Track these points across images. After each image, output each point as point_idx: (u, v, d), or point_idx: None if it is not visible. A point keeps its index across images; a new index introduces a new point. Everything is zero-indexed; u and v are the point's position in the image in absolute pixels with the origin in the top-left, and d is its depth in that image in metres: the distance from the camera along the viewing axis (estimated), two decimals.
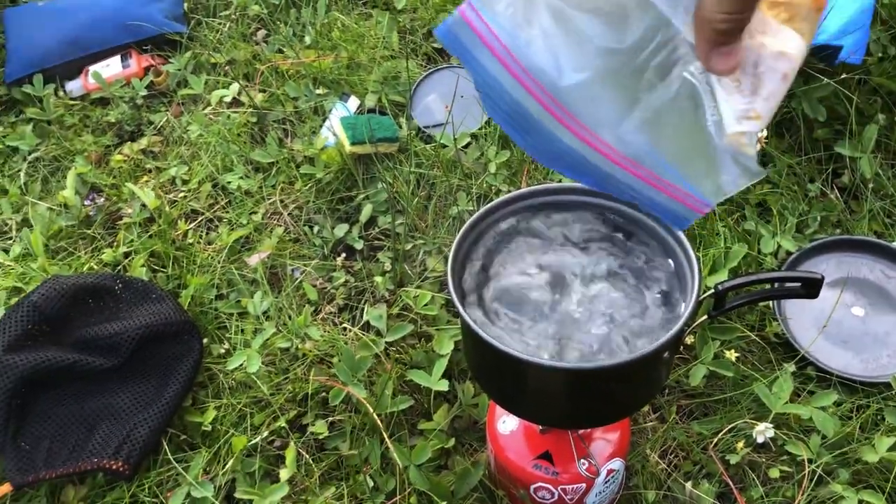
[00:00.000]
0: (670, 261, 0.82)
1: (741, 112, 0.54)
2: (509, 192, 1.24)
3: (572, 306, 0.79)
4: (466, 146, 1.42)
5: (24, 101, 1.67)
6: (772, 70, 0.53)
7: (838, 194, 1.35)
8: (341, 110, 1.50)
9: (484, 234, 0.86)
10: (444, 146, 1.41)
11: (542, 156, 0.61)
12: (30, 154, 1.57)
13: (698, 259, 0.78)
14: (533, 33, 0.52)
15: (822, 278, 0.80)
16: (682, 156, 0.58)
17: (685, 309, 0.76)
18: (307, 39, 1.66)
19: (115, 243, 1.38)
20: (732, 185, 0.58)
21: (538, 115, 0.56)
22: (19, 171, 1.54)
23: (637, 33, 0.52)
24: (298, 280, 1.30)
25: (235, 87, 1.59)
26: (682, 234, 0.80)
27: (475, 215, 0.84)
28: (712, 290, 0.81)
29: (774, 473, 1.03)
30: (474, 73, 0.55)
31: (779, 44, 0.52)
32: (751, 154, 0.56)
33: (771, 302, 1.19)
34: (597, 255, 0.84)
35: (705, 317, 0.85)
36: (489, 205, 0.86)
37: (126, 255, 1.36)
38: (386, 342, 1.17)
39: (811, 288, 0.81)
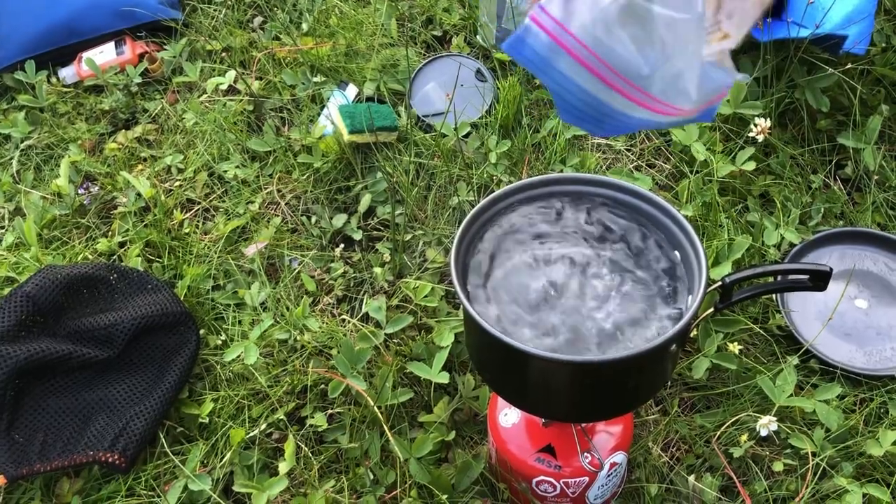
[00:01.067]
0: (676, 252, 0.81)
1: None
2: (510, 182, 1.23)
3: (576, 297, 0.78)
4: (467, 135, 1.41)
5: (16, 88, 1.64)
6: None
7: (841, 186, 1.34)
8: (339, 98, 1.48)
9: (487, 225, 0.84)
10: (444, 135, 1.39)
11: (609, 132, 0.68)
12: (22, 142, 1.55)
13: (704, 251, 0.77)
14: (621, 35, 0.54)
15: (831, 270, 0.79)
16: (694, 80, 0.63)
17: (692, 301, 0.75)
18: (304, 26, 1.64)
19: (110, 233, 1.37)
20: (725, 82, 0.65)
21: (619, 105, 0.60)
22: (11, 159, 1.52)
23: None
24: (296, 271, 1.28)
25: (232, 74, 1.57)
26: (689, 226, 0.79)
27: (478, 206, 0.83)
28: (719, 283, 0.80)
29: (778, 467, 1.02)
30: (546, 78, 0.57)
31: None
32: (729, 65, 0.64)
33: (774, 294, 1.18)
34: (601, 246, 0.83)
35: (711, 309, 0.84)
36: (492, 195, 0.84)
37: (121, 244, 1.34)
38: (385, 334, 1.15)
39: (819, 280, 0.80)
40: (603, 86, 0.57)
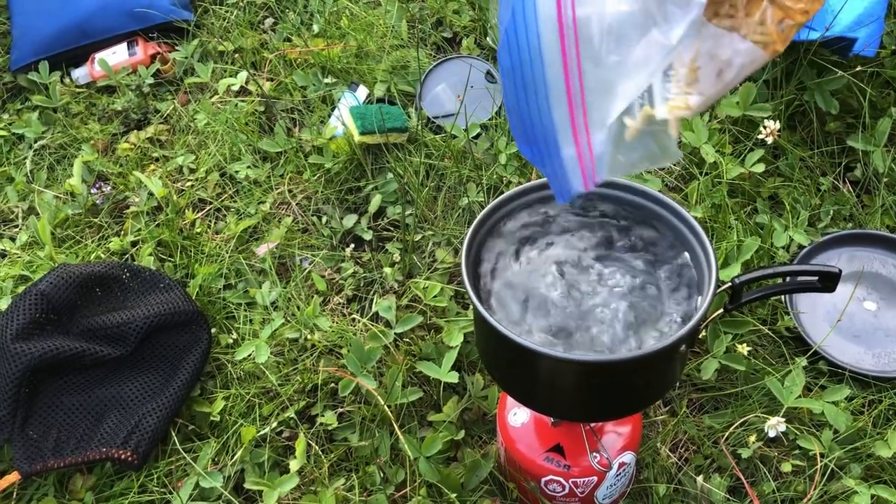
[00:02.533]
0: (686, 254, 0.81)
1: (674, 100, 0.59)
2: (520, 183, 1.24)
3: (586, 298, 0.79)
4: (476, 137, 1.41)
5: (29, 89, 1.66)
6: (712, 65, 0.57)
7: (851, 188, 1.34)
8: (350, 100, 1.49)
9: (497, 226, 0.85)
10: (454, 137, 1.40)
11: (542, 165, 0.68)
12: (36, 142, 1.56)
13: (714, 252, 0.77)
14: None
15: (840, 272, 0.79)
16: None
17: (702, 302, 0.75)
18: (315, 28, 1.65)
19: (123, 232, 1.38)
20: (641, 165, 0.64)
21: (559, 124, 0.61)
22: (25, 158, 1.54)
23: None
24: (307, 270, 1.29)
25: (243, 75, 1.58)
26: (698, 227, 0.79)
27: (488, 207, 0.83)
28: (728, 284, 0.80)
29: (786, 468, 1.03)
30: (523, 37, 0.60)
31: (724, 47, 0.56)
32: (673, 137, 0.61)
33: (783, 296, 1.19)
34: (610, 247, 0.83)
35: (721, 310, 0.84)
36: (502, 196, 0.85)
37: (133, 243, 1.35)
38: (395, 333, 1.16)
39: (828, 282, 0.81)
40: (561, 80, 0.59)
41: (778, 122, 1.25)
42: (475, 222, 0.82)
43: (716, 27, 0.56)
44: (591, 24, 0.57)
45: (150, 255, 1.30)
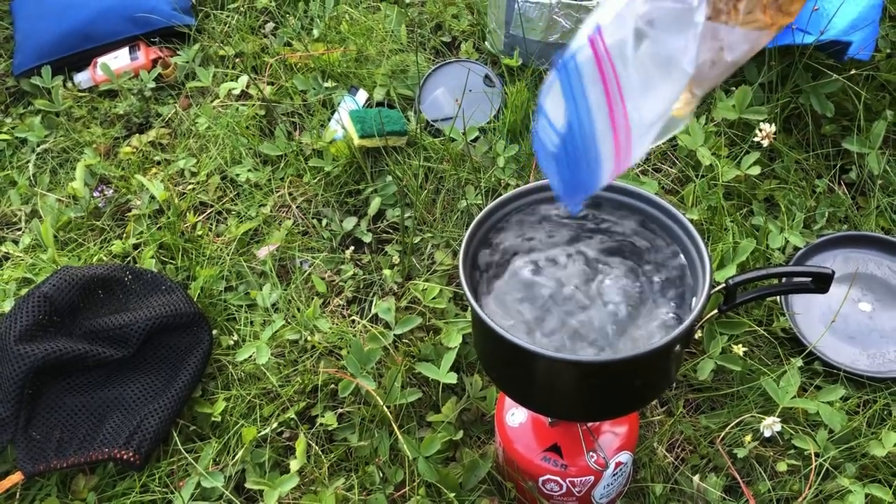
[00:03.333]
0: (681, 255, 0.83)
1: None
2: (518, 185, 1.25)
3: (582, 299, 0.80)
4: (475, 140, 1.43)
5: (32, 93, 1.67)
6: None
7: (846, 190, 1.35)
8: (350, 103, 1.50)
9: (494, 229, 0.86)
10: (453, 140, 1.41)
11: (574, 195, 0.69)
12: (38, 146, 1.57)
13: (709, 254, 0.79)
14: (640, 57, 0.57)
15: (833, 273, 0.81)
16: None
17: (696, 303, 0.76)
18: (315, 32, 1.66)
19: (125, 235, 1.39)
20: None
21: (605, 154, 0.62)
22: (28, 162, 1.55)
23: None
24: (307, 272, 1.30)
25: (244, 79, 1.59)
26: (693, 229, 0.81)
27: (486, 209, 0.84)
28: (723, 285, 0.82)
29: (782, 467, 1.04)
30: (570, 103, 0.59)
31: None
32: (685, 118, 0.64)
33: (778, 297, 1.20)
34: (606, 249, 0.84)
35: (715, 311, 0.85)
36: (499, 199, 0.86)
37: (135, 246, 1.36)
38: (394, 335, 1.17)
39: (821, 283, 0.82)
40: (607, 118, 0.59)
41: (774, 124, 1.27)
42: (473, 224, 0.83)
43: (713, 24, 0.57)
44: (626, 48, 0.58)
45: (152, 257, 1.31)
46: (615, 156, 0.62)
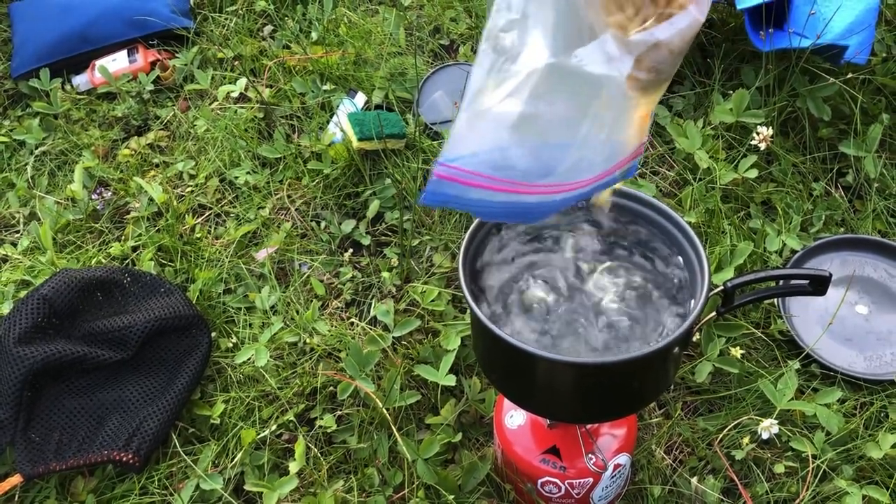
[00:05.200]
0: (680, 258, 0.83)
1: None
2: None
3: (579, 301, 0.80)
4: None
5: (30, 95, 1.67)
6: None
7: (843, 193, 1.36)
8: (348, 106, 1.50)
9: (493, 230, 0.86)
10: None
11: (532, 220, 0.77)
12: (37, 148, 1.57)
13: (707, 256, 0.79)
14: (518, 151, 0.59)
15: (830, 275, 0.81)
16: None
17: (695, 305, 0.77)
18: (314, 35, 1.66)
19: (123, 237, 1.39)
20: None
21: (535, 201, 0.64)
22: (26, 164, 1.55)
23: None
24: (306, 275, 1.30)
25: (242, 82, 1.60)
26: (691, 232, 0.81)
27: None
28: (721, 288, 0.82)
29: (779, 469, 1.04)
30: (468, 208, 0.62)
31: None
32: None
33: (776, 300, 1.20)
34: (605, 251, 0.85)
35: (713, 314, 0.86)
36: None
37: (134, 248, 1.36)
38: (393, 337, 1.17)
39: (819, 285, 0.82)
40: (516, 195, 0.62)
41: (771, 128, 1.27)
42: (472, 227, 0.83)
43: (638, 35, 0.58)
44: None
45: (151, 259, 1.31)
46: (554, 192, 0.64)
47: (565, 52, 0.56)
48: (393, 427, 1.06)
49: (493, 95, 0.56)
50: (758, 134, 1.27)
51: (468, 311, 1.10)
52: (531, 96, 0.57)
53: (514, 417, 0.97)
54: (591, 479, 0.93)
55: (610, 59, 0.58)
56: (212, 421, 1.12)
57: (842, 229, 1.32)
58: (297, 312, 1.24)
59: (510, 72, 0.56)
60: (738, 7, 1.33)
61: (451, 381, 1.09)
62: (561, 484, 0.93)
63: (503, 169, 0.59)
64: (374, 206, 1.37)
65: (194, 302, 1.24)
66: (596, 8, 0.56)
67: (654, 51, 0.59)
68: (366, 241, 1.35)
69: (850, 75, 1.34)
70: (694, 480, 1.04)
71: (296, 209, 1.41)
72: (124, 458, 1.07)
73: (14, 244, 1.40)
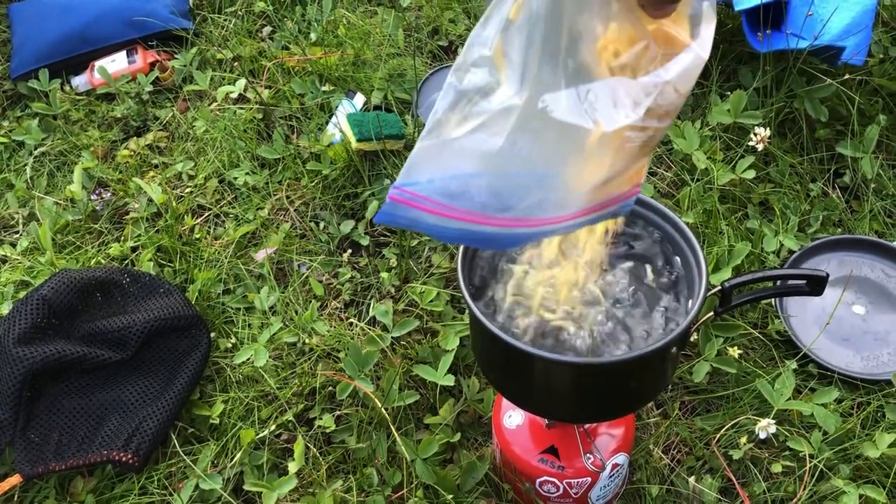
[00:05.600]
0: (677, 258, 0.83)
1: None
2: None
3: (579, 300, 0.81)
4: None
5: (29, 96, 1.67)
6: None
7: (840, 194, 1.36)
8: (347, 107, 1.50)
9: None
10: None
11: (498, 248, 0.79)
12: (36, 149, 1.58)
13: (704, 256, 0.79)
14: (472, 184, 0.59)
15: (827, 276, 0.81)
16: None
17: (692, 305, 0.77)
18: (313, 36, 1.67)
19: (123, 238, 1.39)
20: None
21: (494, 232, 0.63)
22: (25, 165, 1.55)
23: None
24: (305, 275, 1.31)
25: (241, 83, 1.60)
26: (689, 232, 0.81)
27: None
28: (718, 288, 0.82)
29: (777, 468, 1.04)
30: (424, 231, 0.63)
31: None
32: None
33: (773, 300, 1.21)
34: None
35: (711, 314, 0.86)
36: None
37: (133, 249, 1.37)
38: (392, 337, 1.18)
39: (816, 285, 0.83)
40: (474, 224, 0.62)
41: (768, 129, 1.28)
42: None
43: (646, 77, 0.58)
44: None
45: (150, 260, 1.31)
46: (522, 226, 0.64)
47: (539, 93, 0.56)
48: (392, 427, 1.06)
49: (458, 128, 0.56)
50: (755, 135, 1.27)
51: (467, 311, 1.10)
52: (496, 134, 0.56)
53: (513, 417, 0.97)
54: (589, 479, 0.93)
55: (616, 104, 0.57)
56: (211, 421, 1.13)
57: (839, 230, 1.32)
58: (296, 313, 1.25)
59: (479, 106, 0.55)
60: (736, 8, 1.34)
61: (449, 381, 1.09)
62: (559, 483, 0.93)
63: (459, 198, 0.59)
64: (372, 207, 1.37)
65: (193, 302, 1.24)
66: (591, 52, 0.56)
67: (660, 93, 0.58)
68: (364, 241, 1.35)
69: (847, 76, 1.34)
70: (692, 480, 1.04)
71: (295, 210, 1.41)
72: (124, 458, 1.07)
73: (13, 245, 1.40)
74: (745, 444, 1.05)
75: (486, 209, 0.61)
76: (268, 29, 1.75)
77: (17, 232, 1.45)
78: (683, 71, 0.58)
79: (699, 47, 0.58)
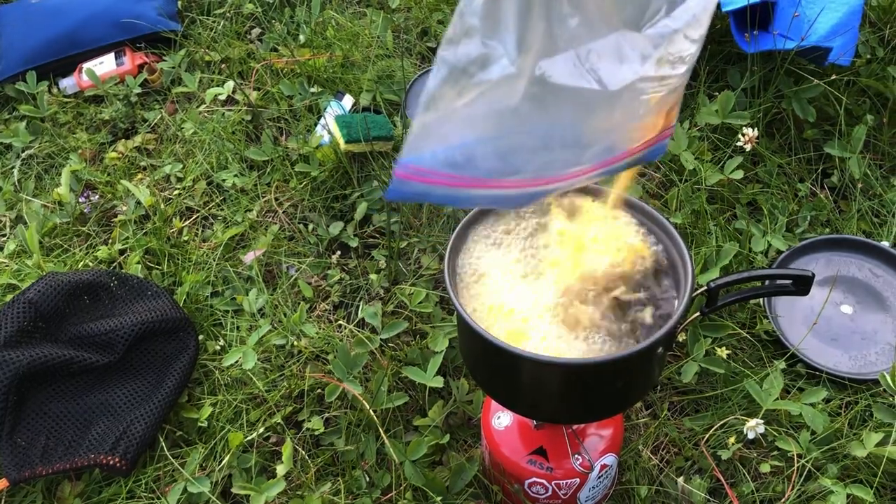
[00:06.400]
0: (665, 258, 0.83)
1: None
2: None
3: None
4: None
5: (17, 99, 1.67)
6: None
7: (828, 194, 1.37)
8: (336, 109, 1.50)
9: (480, 232, 0.86)
10: None
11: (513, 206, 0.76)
12: (23, 151, 1.57)
13: (691, 257, 0.79)
14: (476, 152, 0.59)
15: (813, 275, 0.82)
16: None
17: (678, 305, 0.77)
18: (301, 38, 1.66)
19: (110, 240, 1.39)
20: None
21: (506, 193, 0.63)
22: (13, 168, 1.54)
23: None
24: (294, 277, 1.30)
25: (230, 84, 1.59)
26: (675, 232, 0.81)
27: (471, 213, 0.85)
28: (705, 288, 0.82)
29: (765, 468, 1.04)
30: (436, 201, 0.63)
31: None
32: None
33: (761, 300, 1.21)
34: None
35: (698, 314, 0.86)
36: None
37: (121, 252, 1.36)
38: (381, 339, 1.18)
39: (802, 285, 0.83)
40: (484, 189, 0.62)
41: (756, 129, 1.28)
42: (458, 228, 0.83)
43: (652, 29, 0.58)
44: None
45: (138, 263, 1.31)
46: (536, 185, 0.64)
47: (537, 58, 0.55)
48: (380, 429, 1.06)
49: (458, 100, 0.55)
50: (743, 135, 1.27)
51: (455, 312, 1.10)
52: (498, 101, 0.56)
53: (502, 419, 0.97)
54: (577, 480, 0.93)
55: (622, 61, 0.56)
56: (199, 424, 1.12)
57: (827, 230, 1.33)
58: (285, 315, 1.24)
59: (477, 77, 0.54)
60: (724, 9, 1.34)
61: (438, 382, 1.09)
62: (548, 485, 0.93)
63: (465, 167, 0.59)
64: (361, 209, 1.37)
65: (181, 305, 1.24)
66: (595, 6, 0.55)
67: (670, 42, 0.57)
68: (353, 243, 1.35)
69: (834, 77, 1.35)
70: (680, 480, 1.04)
71: (283, 212, 1.41)
72: (111, 462, 1.06)
73: (0, 248, 1.39)
74: (733, 444, 1.05)
75: (492, 174, 0.60)
76: (256, 31, 1.75)
77: (3, 235, 1.44)
78: (692, 18, 0.57)
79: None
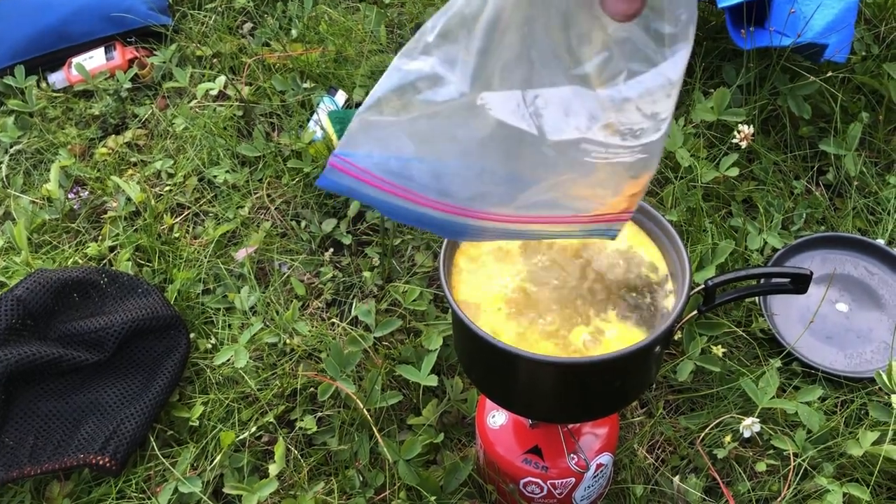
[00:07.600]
0: (662, 257, 0.83)
1: None
2: None
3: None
4: None
5: (5, 93, 1.65)
6: None
7: (823, 191, 1.36)
8: (329, 104, 1.49)
9: None
10: None
11: (452, 237, 0.76)
12: (11, 146, 1.55)
13: (688, 255, 0.79)
14: (413, 165, 0.59)
15: (811, 274, 0.81)
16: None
17: (676, 304, 0.76)
18: (294, 33, 1.65)
19: (100, 237, 1.37)
20: None
21: (441, 218, 0.63)
22: (1, 163, 1.53)
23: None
24: (286, 275, 1.29)
25: (221, 80, 1.58)
26: (673, 231, 0.81)
27: None
28: (702, 286, 0.82)
29: (761, 467, 1.04)
30: (368, 203, 0.62)
31: None
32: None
33: (757, 298, 1.20)
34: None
35: (694, 312, 0.86)
36: None
37: (111, 248, 1.34)
38: (374, 337, 1.16)
39: (799, 283, 0.82)
40: (416, 205, 0.61)
41: (752, 126, 1.27)
42: None
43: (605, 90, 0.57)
44: None
45: (128, 260, 1.29)
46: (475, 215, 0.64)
47: (482, 91, 0.55)
48: (374, 428, 1.05)
49: (400, 114, 0.55)
50: (739, 132, 1.27)
51: (450, 310, 1.09)
52: (438, 125, 0.56)
53: (497, 417, 0.96)
54: (573, 479, 0.92)
55: (568, 114, 0.56)
56: (190, 423, 1.11)
57: (822, 227, 1.32)
58: (277, 313, 1.23)
59: (424, 95, 0.54)
60: (719, 5, 1.34)
61: (432, 381, 1.08)
62: (543, 484, 0.92)
63: (399, 177, 0.59)
64: (354, 205, 1.36)
65: (172, 302, 1.23)
66: (555, 55, 0.54)
67: (620, 110, 0.56)
68: (347, 240, 1.34)
69: (829, 74, 1.34)
70: (676, 479, 1.04)
71: (275, 208, 1.39)
72: (101, 462, 1.05)
73: None
74: (729, 442, 1.05)
75: (427, 191, 0.60)
76: (248, 25, 1.73)
77: None
78: (646, 91, 0.56)
79: (669, 68, 0.55)
